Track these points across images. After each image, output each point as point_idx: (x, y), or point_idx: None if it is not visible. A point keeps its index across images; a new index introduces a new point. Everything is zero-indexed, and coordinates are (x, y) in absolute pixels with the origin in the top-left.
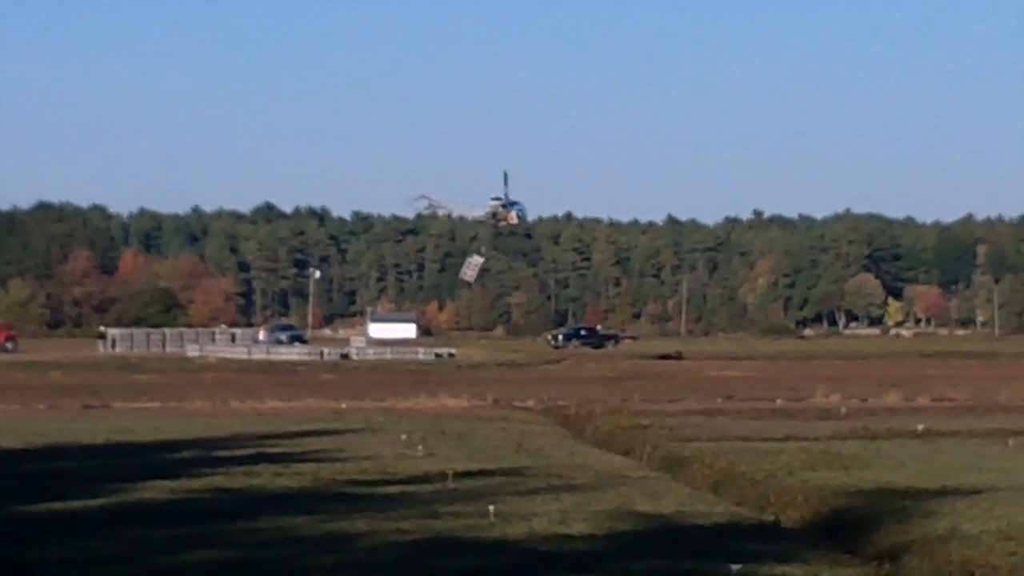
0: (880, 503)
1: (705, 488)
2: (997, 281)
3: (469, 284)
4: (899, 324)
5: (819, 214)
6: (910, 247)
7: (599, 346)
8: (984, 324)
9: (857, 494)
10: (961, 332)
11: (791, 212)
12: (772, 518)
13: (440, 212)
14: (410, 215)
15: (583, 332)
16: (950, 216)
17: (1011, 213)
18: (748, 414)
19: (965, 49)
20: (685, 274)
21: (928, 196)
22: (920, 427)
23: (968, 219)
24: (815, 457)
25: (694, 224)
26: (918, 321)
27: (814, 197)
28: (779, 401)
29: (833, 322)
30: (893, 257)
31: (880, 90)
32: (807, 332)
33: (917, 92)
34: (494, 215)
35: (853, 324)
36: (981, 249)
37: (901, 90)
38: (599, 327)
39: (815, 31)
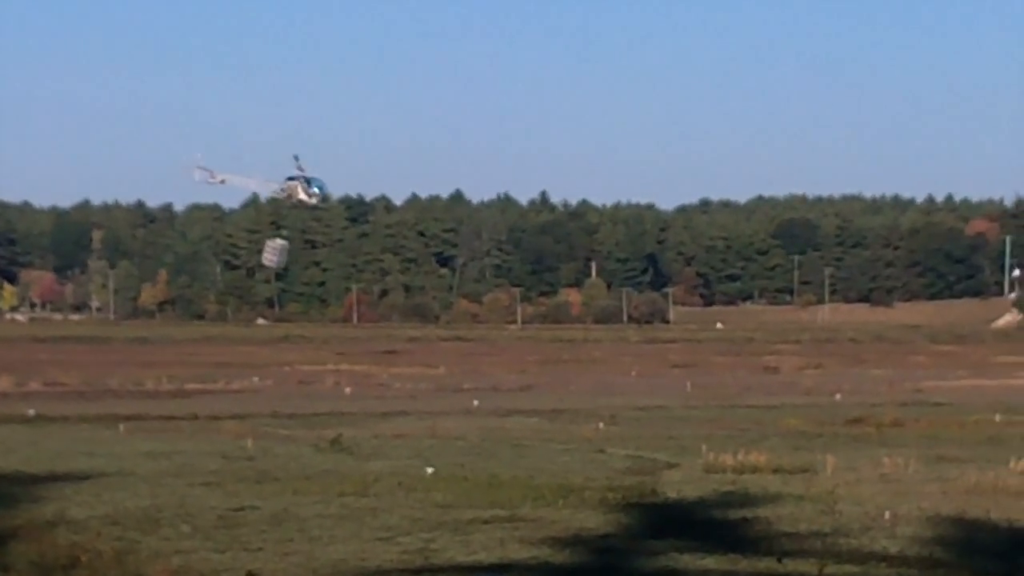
0: None
1: None
2: (113, 267)
3: (274, 269)
4: (14, 309)
5: None
6: (25, 231)
7: None
8: (99, 309)
9: None
10: (76, 317)
11: None
12: None
13: (225, 182)
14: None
15: None
16: (67, 201)
17: (127, 199)
18: None
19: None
20: None
21: (44, 181)
22: (31, 412)
23: (84, 204)
24: None
25: None
26: (33, 306)
27: None
28: None
29: None
30: (8, 241)
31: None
32: None
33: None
34: (289, 195)
35: None
36: (97, 234)
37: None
38: None
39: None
